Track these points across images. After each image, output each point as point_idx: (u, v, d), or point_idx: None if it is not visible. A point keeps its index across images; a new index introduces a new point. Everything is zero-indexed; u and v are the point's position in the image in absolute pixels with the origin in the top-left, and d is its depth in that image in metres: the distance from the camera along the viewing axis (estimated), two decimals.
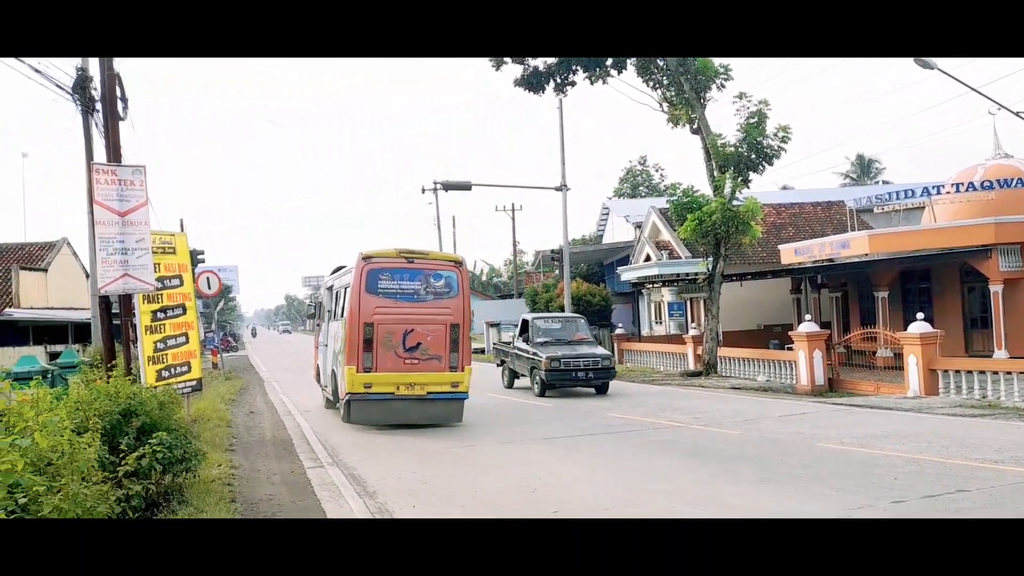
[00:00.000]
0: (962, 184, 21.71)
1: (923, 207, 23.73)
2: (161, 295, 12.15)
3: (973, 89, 20.14)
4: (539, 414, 15.28)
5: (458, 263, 14.05)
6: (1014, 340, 18.62)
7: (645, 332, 33.29)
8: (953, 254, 19.82)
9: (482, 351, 39.69)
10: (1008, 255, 18.90)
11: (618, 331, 30.04)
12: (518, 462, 10.20)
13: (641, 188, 57.89)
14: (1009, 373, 14.75)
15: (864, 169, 59.11)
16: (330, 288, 16.36)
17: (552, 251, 36.58)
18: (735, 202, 21.15)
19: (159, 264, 11.77)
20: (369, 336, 12.98)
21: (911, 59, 19.28)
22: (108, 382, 8.32)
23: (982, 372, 15.20)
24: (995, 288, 18.93)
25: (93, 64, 12.07)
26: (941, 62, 18.84)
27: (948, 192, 22.06)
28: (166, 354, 12.20)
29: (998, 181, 21.03)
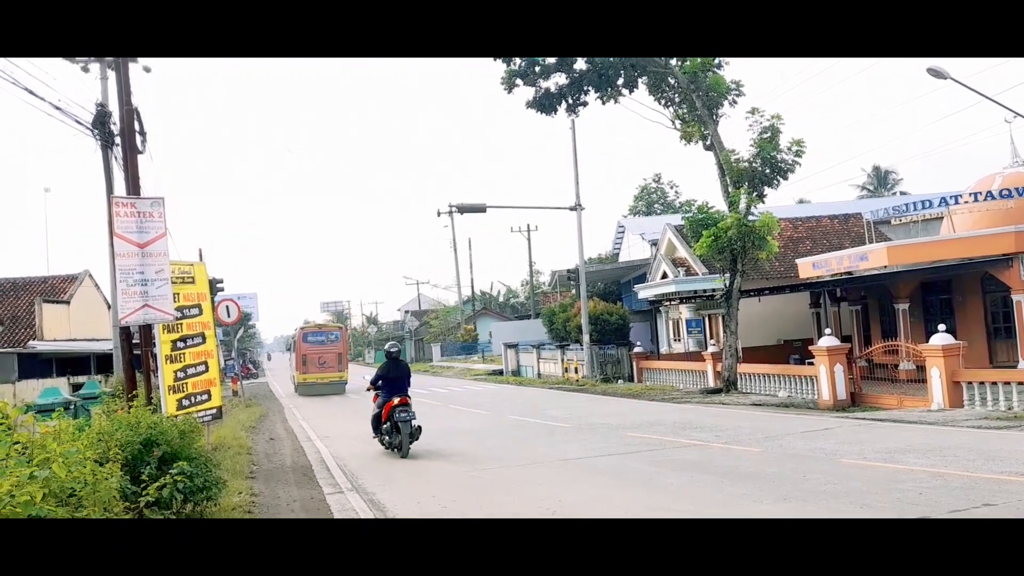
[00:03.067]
0: (980, 193, 21.52)
1: (941, 217, 23.53)
2: (181, 324, 12.25)
3: (988, 98, 20.07)
4: (558, 434, 15.22)
5: (340, 327, 38.62)
6: None
7: (664, 350, 33.12)
8: (974, 264, 19.61)
9: (500, 372, 39.60)
10: None
11: (636, 349, 29.96)
12: (537, 484, 10.16)
13: (656, 205, 57.91)
14: None
15: (881, 181, 58.81)
16: (292, 337, 40.25)
17: (568, 270, 36.54)
18: (750, 217, 21.10)
19: (178, 294, 11.90)
20: (304, 360, 32.97)
21: (924, 70, 19.27)
22: (129, 412, 8.40)
23: (1007, 383, 14.98)
24: (1018, 297, 18.68)
25: (112, 99, 12.31)
26: (955, 71, 18.80)
27: (966, 202, 21.87)
28: (186, 383, 12.28)
29: (1017, 189, 20.82)
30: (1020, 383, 14.83)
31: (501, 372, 39.96)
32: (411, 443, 13.01)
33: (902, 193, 52.55)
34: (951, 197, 22.63)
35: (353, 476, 11.47)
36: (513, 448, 13.74)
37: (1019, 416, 13.91)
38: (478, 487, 10.22)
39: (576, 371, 31.06)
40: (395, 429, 13.00)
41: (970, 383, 15.54)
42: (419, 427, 13.25)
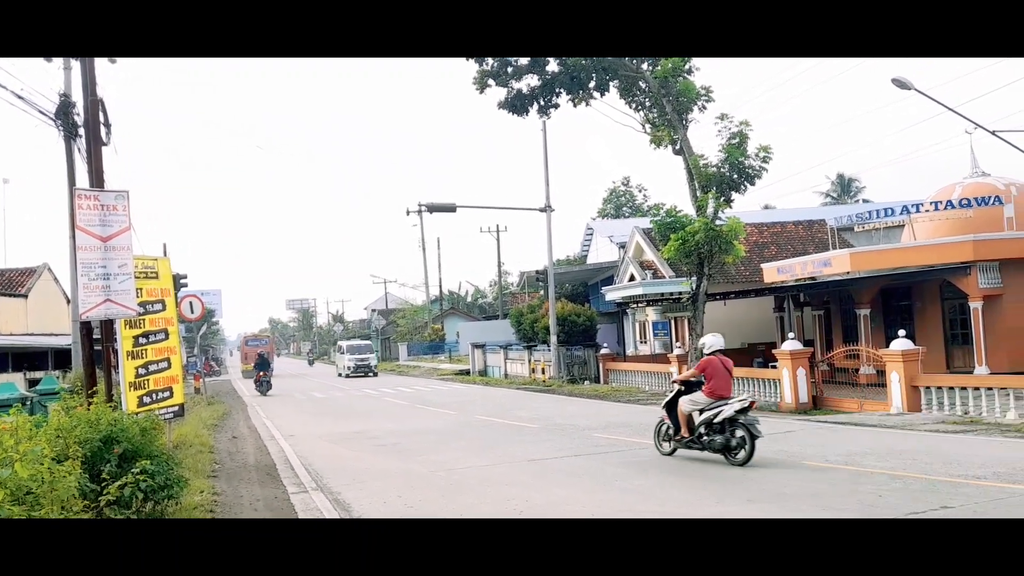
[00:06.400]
0: (940, 202, 21.98)
1: (903, 225, 23.99)
2: (143, 320, 12.04)
3: (949, 108, 20.47)
4: (525, 435, 15.23)
5: (269, 336, 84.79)
6: (994, 356, 18.81)
7: (630, 351, 33.34)
8: (933, 271, 20.04)
9: (467, 372, 39.55)
10: (987, 272, 19.14)
11: (603, 351, 30.09)
12: (504, 484, 10.15)
13: (625, 209, 58.18)
14: (990, 389, 14.89)
15: (844, 188, 59.74)
16: (241, 341, 65.58)
17: (537, 272, 36.69)
18: (718, 222, 21.28)
19: (141, 289, 11.68)
20: (246, 356, 53.04)
21: (889, 80, 19.60)
22: (89, 409, 8.22)
23: (963, 388, 15.32)
24: (975, 305, 19.14)
25: (76, 89, 12.05)
26: (919, 82, 19.16)
27: (927, 210, 22.33)
28: (148, 379, 12.06)
29: (975, 199, 21.32)
30: (976, 388, 15.18)
31: (468, 372, 39.90)
32: (267, 390, 31.64)
33: (865, 201, 53.48)
34: (912, 206, 23.06)
35: (318, 475, 11.36)
36: (480, 448, 13.72)
37: (975, 420, 14.24)
38: (445, 487, 10.18)
39: (543, 372, 31.12)
40: (261, 385, 31.60)
41: (928, 388, 15.87)
42: (271, 384, 32.59)
